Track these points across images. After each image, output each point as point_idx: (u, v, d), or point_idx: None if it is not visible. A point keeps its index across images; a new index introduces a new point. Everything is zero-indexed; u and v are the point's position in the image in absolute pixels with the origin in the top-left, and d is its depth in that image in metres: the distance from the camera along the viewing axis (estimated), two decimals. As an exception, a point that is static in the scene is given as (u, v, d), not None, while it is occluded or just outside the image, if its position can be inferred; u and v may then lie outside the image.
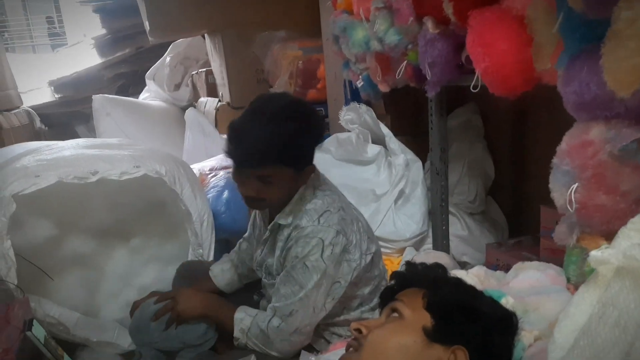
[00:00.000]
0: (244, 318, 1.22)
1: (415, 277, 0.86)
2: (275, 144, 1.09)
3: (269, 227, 1.25)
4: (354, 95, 2.13)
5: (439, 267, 0.88)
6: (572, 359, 0.56)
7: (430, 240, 1.78)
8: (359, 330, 0.79)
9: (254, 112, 1.14)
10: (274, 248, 1.26)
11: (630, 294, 0.53)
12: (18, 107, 3.84)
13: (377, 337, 0.75)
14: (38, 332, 1.19)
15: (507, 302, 0.88)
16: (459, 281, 0.85)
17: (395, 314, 0.79)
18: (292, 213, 1.20)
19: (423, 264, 0.89)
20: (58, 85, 4.35)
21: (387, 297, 0.86)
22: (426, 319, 0.75)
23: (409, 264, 0.90)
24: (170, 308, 1.27)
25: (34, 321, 1.20)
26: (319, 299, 1.17)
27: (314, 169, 1.23)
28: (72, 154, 1.57)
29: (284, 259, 1.20)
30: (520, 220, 1.92)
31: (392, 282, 0.88)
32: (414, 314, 0.76)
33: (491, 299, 0.83)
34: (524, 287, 0.98)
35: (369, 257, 1.26)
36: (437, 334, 0.74)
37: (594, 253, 0.59)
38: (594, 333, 0.55)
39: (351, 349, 0.78)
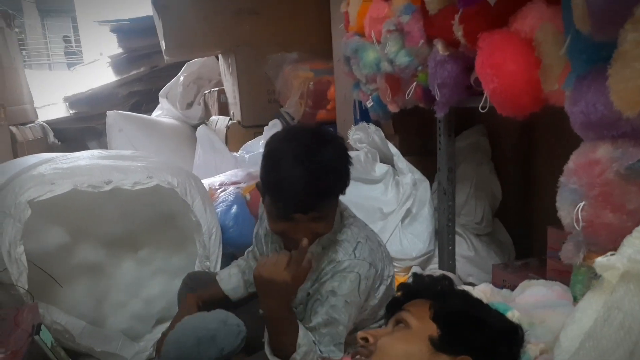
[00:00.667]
0: (302, 345, 1.08)
1: (422, 288, 0.87)
2: (327, 183, 1.05)
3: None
4: (363, 116, 2.17)
5: (445, 279, 0.89)
6: (578, 362, 0.56)
7: (436, 260, 1.78)
8: (365, 339, 0.80)
9: (294, 156, 1.05)
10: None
11: (634, 297, 0.54)
12: (33, 122, 3.92)
13: (385, 344, 0.76)
14: (46, 337, 1.20)
15: (513, 315, 0.89)
16: (465, 293, 0.87)
17: (402, 324, 0.80)
18: (320, 242, 1.15)
19: (430, 276, 0.91)
20: (73, 102, 4.45)
21: (394, 308, 0.87)
22: (432, 329, 0.76)
23: (415, 275, 0.92)
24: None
25: (42, 326, 1.21)
26: (349, 326, 1.16)
27: None
28: (87, 164, 1.60)
29: (315, 291, 1.16)
30: (527, 242, 1.92)
31: (399, 293, 0.90)
32: (421, 323, 0.77)
33: (497, 311, 0.84)
34: (530, 302, 0.98)
35: (388, 281, 1.26)
36: (443, 344, 0.75)
37: (600, 259, 0.61)
38: (599, 335, 0.56)
39: (358, 356, 0.79)
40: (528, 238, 1.92)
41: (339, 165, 1.09)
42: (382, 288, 1.23)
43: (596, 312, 0.61)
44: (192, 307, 1.37)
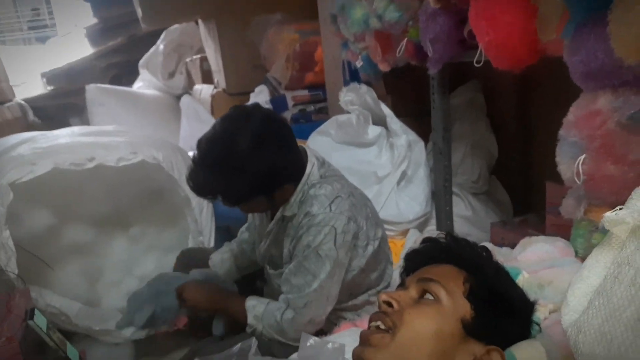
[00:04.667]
0: (256, 305, 1.19)
1: (455, 252, 0.75)
2: (215, 182, 1.09)
3: (273, 219, 1.22)
4: (353, 77, 2.10)
5: (484, 250, 0.77)
6: (586, 320, 0.54)
7: (434, 221, 1.77)
8: (389, 304, 0.70)
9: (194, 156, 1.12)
10: (279, 239, 1.23)
11: (646, 252, 0.51)
12: (10, 101, 3.79)
13: (414, 320, 0.67)
14: (40, 321, 1.18)
15: (523, 277, 0.86)
16: (500, 269, 0.75)
17: (430, 296, 0.69)
18: (296, 202, 1.17)
19: (466, 241, 0.78)
20: (50, 77, 4.29)
21: (415, 263, 0.77)
22: (466, 309, 0.67)
23: (450, 235, 0.79)
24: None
25: (36, 310, 1.19)
26: (332, 288, 1.15)
27: (301, 170, 1.17)
28: (68, 142, 1.54)
29: (294, 248, 1.17)
30: (525, 199, 1.91)
31: (424, 246, 0.79)
32: (453, 300, 0.68)
33: (521, 292, 0.75)
34: (533, 260, 0.96)
35: (376, 243, 1.24)
36: (475, 329, 0.67)
37: (608, 214, 0.58)
38: (610, 292, 0.53)
39: (379, 322, 0.69)
40: (526, 195, 1.90)
41: (231, 161, 1.06)
42: (370, 248, 1.21)
43: (605, 269, 0.59)
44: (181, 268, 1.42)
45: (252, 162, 1.05)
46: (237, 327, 1.23)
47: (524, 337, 0.71)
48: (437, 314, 0.67)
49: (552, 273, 0.89)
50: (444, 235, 0.79)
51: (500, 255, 1.11)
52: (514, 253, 1.09)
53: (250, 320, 1.19)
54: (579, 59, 0.93)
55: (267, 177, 1.08)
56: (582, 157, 0.96)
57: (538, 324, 0.74)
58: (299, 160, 1.17)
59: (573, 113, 0.99)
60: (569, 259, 0.95)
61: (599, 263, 0.58)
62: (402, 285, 0.75)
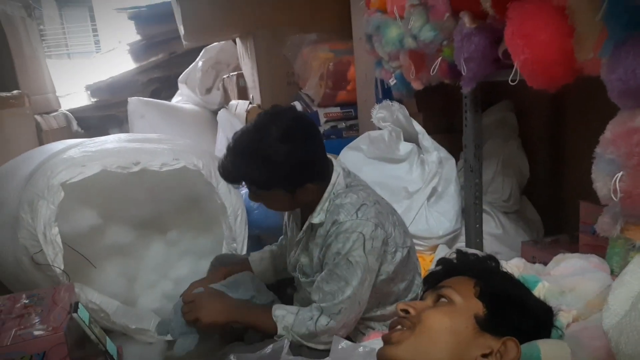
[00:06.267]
0: (285, 315, 1.21)
1: (465, 265, 0.85)
2: (243, 164, 1.14)
3: (303, 228, 1.26)
4: (385, 95, 2.15)
5: (491, 259, 0.86)
6: (628, 322, 0.55)
7: (463, 238, 1.77)
8: (406, 311, 0.78)
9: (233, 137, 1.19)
10: (308, 248, 1.26)
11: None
12: (56, 110, 3.99)
13: (430, 317, 0.74)
14: (83, 314, 1.24)
15: (544, 286, 0.88)
16: (510, 275, 0.83)
17: (444, 299, 0.78)
18: (324, 211, 1.21)
19: (475, 254, 0.88)
20: (94, 90, 4.51)
21: (432, 282, 0.85)
22: (478, 307, 0.75)
23: (460, 252, 0.89)
24: (189, 314, 1.24)
25: (79, 304, 1.25)
26: (364, 294, 1.18)
27: (326, 175, 1.22)
28: (115, 147, 1.63)
29: (324, 256, 1.20)
30: (556, 219, 1.89)
31: (438, 267, 0.87)
32: (465, 301, 0.76)
33: (535, 297, 0.82)
34: (566, 274, 0.96)
35: (405, 251, 1.25)
36: (489, 323, 0.73)
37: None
38: (652, 296, 0.55)
39: (399, 326, 0.77)
40: (557, 215, 1.88)
41: (259, 150, 1.12)
42: (399, 255, 1.23)
43: (647, 274, 0.60)
44: (218, 277, 1.43)
45: (277, 153, 1.11)
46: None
47: (542, 336, 0.75)
48: (452, 311, 0.75)
49: (575, 280, 0.89)
50: (455, 254, 0.89)
51: (533, 270, 1.11)
52: (547, 268, 1.09)
53: (280, 330, 1.20)
54: (617, 77, 0.94)
55: (290, 169, 1.13)
56: (620, 174, 0.96)
57: (561, 329, 0.77)
58: (324, 163, 1.22)
59: (610, 130, 1.00)
60: (593, 269, 0.94)
61: (642, 269, 0.59)
62: (421, 299, 0.84)
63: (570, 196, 1.75)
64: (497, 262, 0.86)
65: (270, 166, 1.12)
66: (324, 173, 1.22)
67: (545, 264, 1.24)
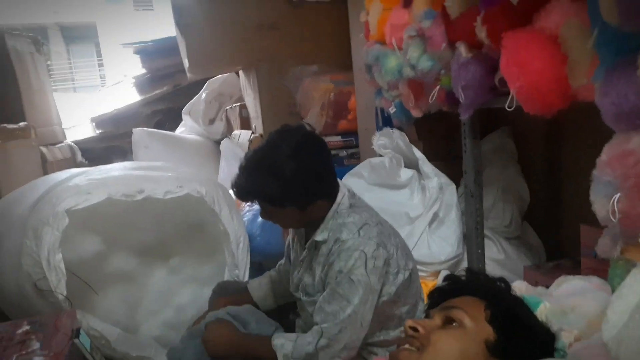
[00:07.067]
0: (284, 344, 1.20)
1: (475, 285, 0.82)
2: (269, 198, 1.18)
3: (306, 245, 1.27)
4: (386, 123, 2.18)
5: (502, 281, 0.84)
6: (627, 333, 0.56)
7: (465, 263, 1.77)
8: (414, 329, 0.76)
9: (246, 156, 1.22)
10: (312, 267, 1.27)
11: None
12: (62, 142, 4.05)
13: (441, 340, 0.73)
14: (84, 340, 1.23)
15: (545, 307, 0.88)
16: (520, 299, 0.82)
17: (455, 323, 0.75)
18: (327, 229, 1.22)
19: (485, 275, 0.86)
20: (99, 122, 4.58)
21: (437, 298, 0.83)
22: (489, 332, 0.73)
23: (470, 271, 0.87)
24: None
25: (81, 330, 1.25)
26: (366, 314, 1.17)
27: (334, 193, 1.25)
28: (120, 174, 1.66)
29: (326, 275, 1.20)
30: (557, 244, 1.89)
31: (445, 283, 0.85)
32: (476, 325, 0.74)
33: (540, 320, 0.81)
34: (567, 294, 0.96)
35: (407, 273, 1.26)
36: (499, 350, 0.72)
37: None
38: (649, 306, 0.55)
39: (407, 345, 0.75)
40: (558, 240, 1.89)
41: (272, 166, 1.15)
42: (401, 277, 1.23)
43: (643, 287, 0.61)
44: (218, 308, 1.41)
45: (290, 170, 1.14)
46: None
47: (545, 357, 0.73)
48: (462, 335, 0.72)
49: (576, 300, 0.89)
50: (463, 272, 0.86)
51: (535, 292, 1.11)
52: (549, 290, 1.09)
53: (280, 359, 1.19)
54: (611, 101, 0.97)
55: (302, 186, 1.16)
56: (617, 195, 0.98)
57: (563, 350, 0.76)
58: (334, 180, 1.25)
59: (606, 153, 1.02)
60: (594, 289, 0.95)
61: (638, 282, 0.60)
62: (426, 317, 0.81)
63: (571, 219, 1.76)
64: (508, 285, 0.84)
65: (282, 182, 1.14)
66: (333, 190, 1.24)
67: (548, 287, 1.24)
